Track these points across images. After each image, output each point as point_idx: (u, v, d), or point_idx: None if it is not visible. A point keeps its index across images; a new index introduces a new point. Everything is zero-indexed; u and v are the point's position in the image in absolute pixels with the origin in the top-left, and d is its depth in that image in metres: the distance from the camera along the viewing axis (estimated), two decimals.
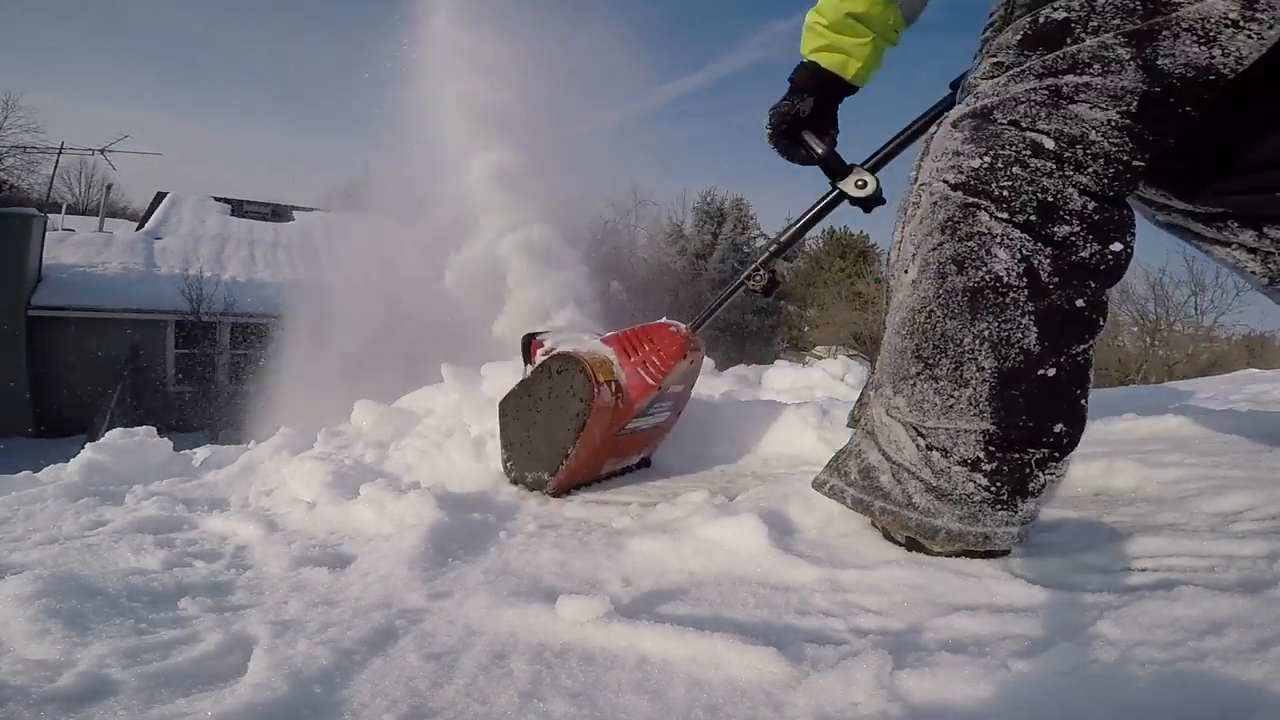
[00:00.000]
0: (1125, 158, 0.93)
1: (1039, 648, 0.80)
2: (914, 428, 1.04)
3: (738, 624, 0.94)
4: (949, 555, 1.07)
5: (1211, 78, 0.89)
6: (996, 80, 1.00)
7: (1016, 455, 0.99)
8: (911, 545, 1.11)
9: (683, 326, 1.74)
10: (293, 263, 15.85)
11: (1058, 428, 0.99)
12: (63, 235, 14.73)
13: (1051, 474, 1.01)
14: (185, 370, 13.39)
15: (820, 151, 1.41)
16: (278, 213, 18.72)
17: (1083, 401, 1.00)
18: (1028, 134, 0.95)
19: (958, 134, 1.01)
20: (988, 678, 0.74)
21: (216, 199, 18.31)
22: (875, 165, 1.52)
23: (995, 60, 1.01)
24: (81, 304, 12.57)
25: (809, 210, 1.60)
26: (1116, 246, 0.96)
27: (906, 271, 1.07)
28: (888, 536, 1.15)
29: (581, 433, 1.58)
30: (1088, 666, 0.75)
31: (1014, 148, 0.95)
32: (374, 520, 1.48)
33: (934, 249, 1.01)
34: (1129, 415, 2.15)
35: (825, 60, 1.33)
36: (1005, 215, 0.95)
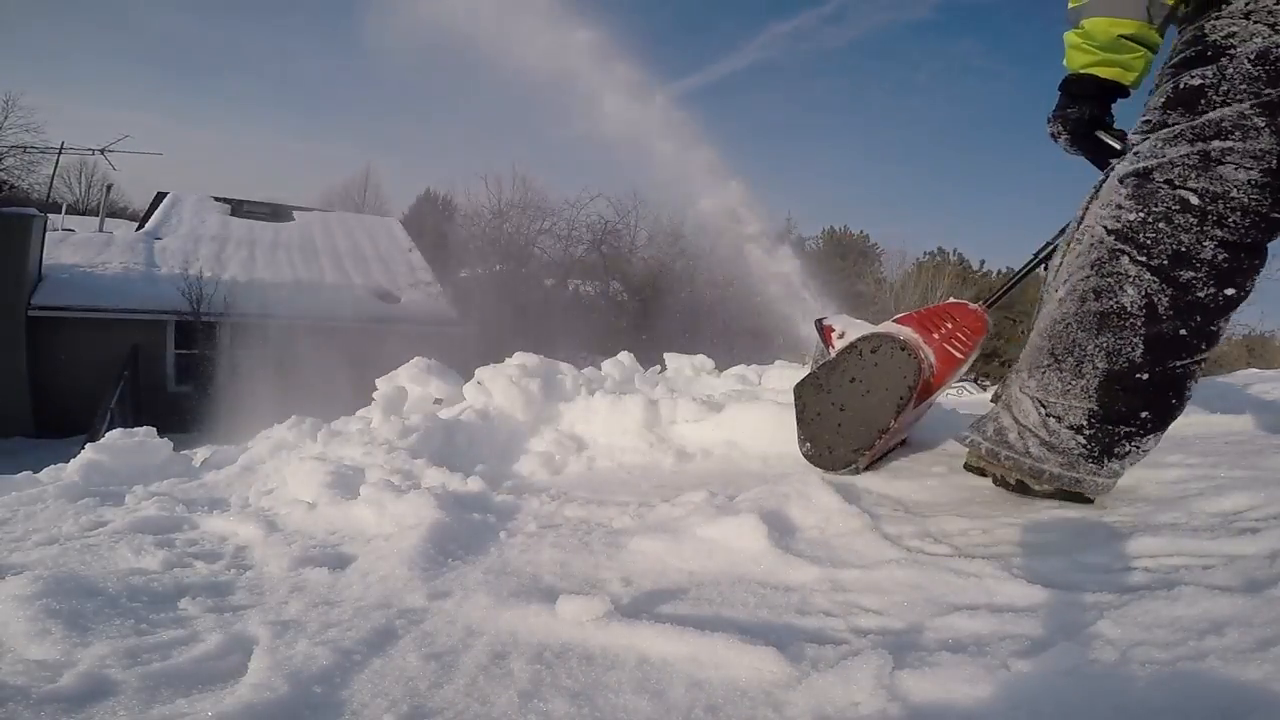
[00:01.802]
0: (1264, 210, 1.15)
1: (1039, 647, 0.80)
2: (1040, 401, 1.36)
3: (738, 624, 0.94)
4: (1047, 495, 1.36)
5: None
6: (1151, 140, 1.24)
7: (1110, 428, 1.30)
8: (1020, 488, 1.40)
9: (979, 305, 1.79)
10: (293, 263, 15.83)
11: (1144, 414, 1.28)
12: (63, 235, 14.70)
13: (1135, 445, 1.31)
14: (185, 370, 13.37)
15: (1119, 146, 1.55)
16: (278, 213, 18.71)
17: (1173, 400, 1.28)
18: (1178, 191, 1.18)
19: (1123, 189, 1.26)
20: (988, 677, 0.74)
21: (216, 199, 18.30)
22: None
23: (1145, 119, 1.27)
24: (81, 304, 12.54)
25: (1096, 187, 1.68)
26: (1230, 291, 1.19)
27: (1057, 290, 1.36)
28: (1001, 483, 1.44)
29: (902, 408, 1.60)
30: (1088, 666, 0.75)
31: (1165, 204, 1.19)
32: (374, 520, 1.48)
33: (1082, 279, 1.30)
34: None
35: (1104, 73, 1.50)
36: (1144, 259, 1.21)
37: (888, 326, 1.71)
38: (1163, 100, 1.23)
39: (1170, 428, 2.07)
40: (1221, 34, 1.18)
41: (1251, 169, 1.13)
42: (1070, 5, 1.48)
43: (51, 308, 12.41)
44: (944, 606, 0.94)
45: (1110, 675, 0.73)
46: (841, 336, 1.77)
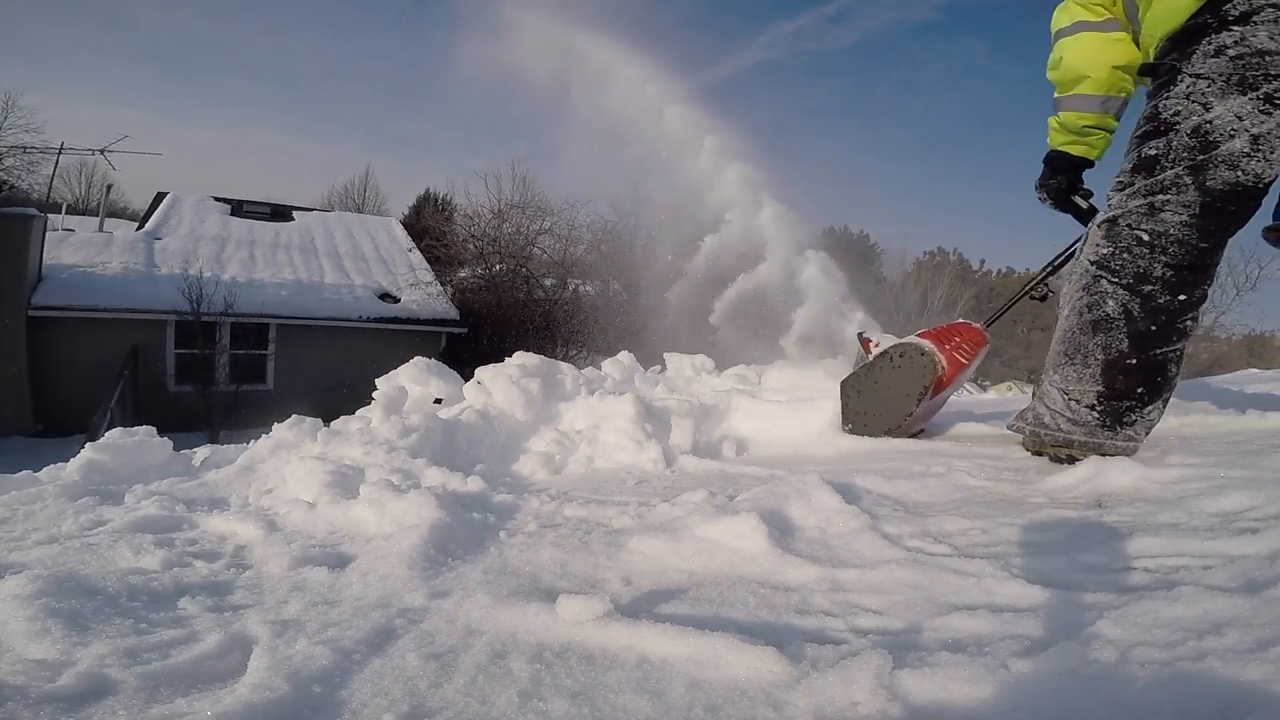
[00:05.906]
0: (1194, 241, 1.58)
1: (1039, 648, 0.80)
2: (1063, 391, 1.79)
3: (738, 624, 0.94)
4: (1083, 456, 1.69)
5: (1239, 190, 1.53)
6: (1121, 194, 1.68)
7: (1115, 403, 1.71)
8: (1069, 460, 1.75)
9: (980, 325, 2.34)
10: (293, 263, 15.82)
11: (1139, 390, 1.69)
12: (63, 235, 14.67)
13: (1139, 414, 1.72)
14: (185, 370, 13.36)
15: (1085, 207, 2.08)
16: (278, 213, 18.68)
17: (1159, 379, 1.69)
18: (1135, 231, 1.64)
19: (1099, 232, 1.72)
20: (988, 678, 0.74)
21: (216, 199, 18.29)
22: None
23: (1119, 179, 1.70)
24: (81, 304, 12.51)
25: (1072, 244, 2.11)
26: (1183, 297, 1.62)
27: (1063, 310, 1.82)
28: (1043, 454, 1.85)
29: (922, 398, 2.16)
30: (1088, 666, 0.75)
31: (1126, 240, 1.65)
32: (374, 520, 1.48)
33: (1078, 299, 1.75)
34: None
35: (1076, 150, 2.04)
36: (1116, 280, 1.67)
37: (911, 339, 2.26)
38: (1130, 165, 1.67)
39: (1169, 428, 2.11)
40: (1170, 113, 1.59)
41: (1182, 214, 1.57)
42: (1055, 95, 1.99)
43: (51, 308, 12.40)
44: (944, 606, 0.94)
45: (1110, 675, 0.73)
46: (876, 345, 2.34)
